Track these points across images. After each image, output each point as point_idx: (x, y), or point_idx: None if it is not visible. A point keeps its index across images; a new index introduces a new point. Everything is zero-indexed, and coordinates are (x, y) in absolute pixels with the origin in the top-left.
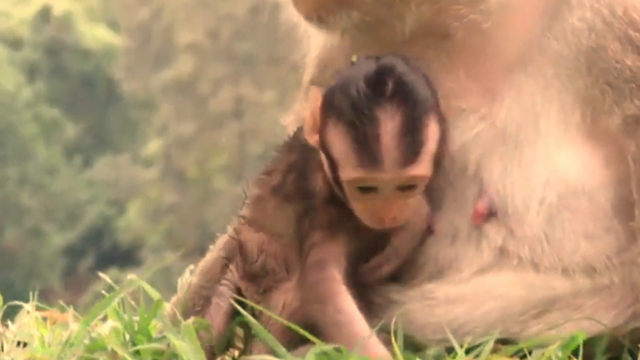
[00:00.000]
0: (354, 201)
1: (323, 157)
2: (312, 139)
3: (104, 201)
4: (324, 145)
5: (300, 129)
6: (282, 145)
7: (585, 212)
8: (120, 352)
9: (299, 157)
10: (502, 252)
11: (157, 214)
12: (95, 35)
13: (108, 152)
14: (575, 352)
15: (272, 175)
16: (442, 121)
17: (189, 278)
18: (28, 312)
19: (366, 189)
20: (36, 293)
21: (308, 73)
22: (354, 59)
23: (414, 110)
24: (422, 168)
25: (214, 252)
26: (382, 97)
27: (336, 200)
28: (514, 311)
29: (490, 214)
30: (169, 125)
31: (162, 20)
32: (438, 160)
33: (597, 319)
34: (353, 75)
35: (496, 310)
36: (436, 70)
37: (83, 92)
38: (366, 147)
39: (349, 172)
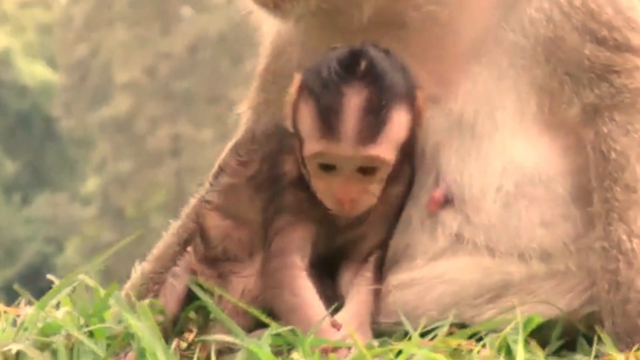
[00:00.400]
0: (316, 180)
1: (295, 137)
2: (288, 122)
3: (42, 239)
4: (295, 124)
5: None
6: (260, 136)
7: (542, 200)
8: (75, 333)
9: (275, 145)
10: (458, 239)
11: (95, 252)
12: (33, 72)
13: (46, 190)
14: (530, 337)
15: (249, 166)
16: (416, 114)
17: (141, 265)
18: None
19: (327, 167)
20: None
21: (262, 62)
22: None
23: (382, 93)
24: (382, 150)
25: (167, 238)
26: (351, 76)
27: (304, 184)
28: (468, 295)
29: (446, 202)
30: (106, 163)
31: (100, 58)
32: (405, 151)
33: (553, 302)
34: (328, 57)
35: (449, 294)
36: None
37: (21, 129)
38: (328, 121)
39: (311, 146)
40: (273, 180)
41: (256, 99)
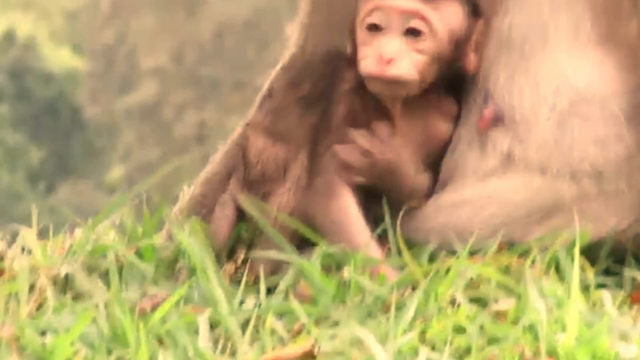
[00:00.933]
0: (363, 47)
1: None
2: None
3: (67, 227)
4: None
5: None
6: (311, 56)
7: (596, 119)
8: (124, 253)
9: (330, 66)
10: (509, 158)
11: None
12: (60, 58)
13: (71, 178)
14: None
15: (300, 87)
16: (473, 17)
17: (190, 189)
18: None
19: (374, 27)
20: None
21: None
22: None
23: None
24: (431, 13)
25: (213, 163)
26: None
27: (360, 93)
28: (519, 214)
29: (497, 120)
30: (132, 151)
31: (126, 44)
32: (459, 47)
33: (602, 222)
34: None
35: (500, 214)
36: None
37: (46, 116)
38: None
39: (366, 7)
40: (327, 94)
41: (306, 19)
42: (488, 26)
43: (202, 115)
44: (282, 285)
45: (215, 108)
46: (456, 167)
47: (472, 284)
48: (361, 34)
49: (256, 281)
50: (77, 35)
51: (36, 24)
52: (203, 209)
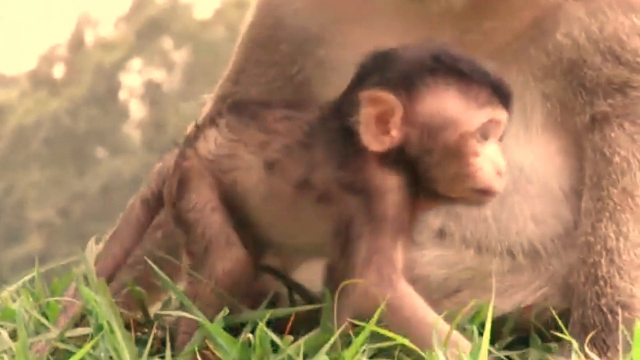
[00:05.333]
0: (474, 159)
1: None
2: (385, 140)
3: None
4: (422, 121)
5: None
6: None
7: (536, 197)
8: (31, 311)
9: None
10: (440, 235)
11: None
12: None
13: None
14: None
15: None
16: None
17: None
18: None
19: (485, 136)
20: None
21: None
22: None
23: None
24: None
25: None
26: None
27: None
28: (432, 290)
29: None
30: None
31: (14, 197)
32: None
33: (507, 297)
34: (420, 52)
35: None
36: None
37: None
38: (486, 86)
39: (476, 119)
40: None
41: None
42: None
43: None
44: (189, 347)
45: None
46: None
47: (380, 351)
48: (473, 143)
49: (164, 342)
50: None
51: None
52: None
